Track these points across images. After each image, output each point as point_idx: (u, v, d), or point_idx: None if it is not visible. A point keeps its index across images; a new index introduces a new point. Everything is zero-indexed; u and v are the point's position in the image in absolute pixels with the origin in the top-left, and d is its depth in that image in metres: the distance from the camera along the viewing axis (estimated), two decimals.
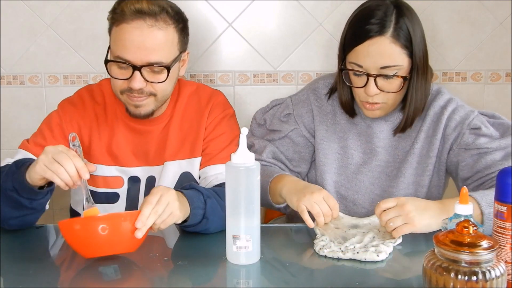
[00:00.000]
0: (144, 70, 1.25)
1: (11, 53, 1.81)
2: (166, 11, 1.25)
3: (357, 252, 1.09)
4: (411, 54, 1.28)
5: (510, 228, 0.91)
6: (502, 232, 0.92)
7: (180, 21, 1.30)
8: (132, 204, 1.37)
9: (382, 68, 1.27)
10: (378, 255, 1.08)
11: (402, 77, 1.28)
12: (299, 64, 1.83)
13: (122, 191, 1.38)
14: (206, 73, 1.83)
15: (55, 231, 1.26)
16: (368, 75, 1.28)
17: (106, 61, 1.28)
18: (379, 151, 1.41)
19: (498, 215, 0.93)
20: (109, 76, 1.30)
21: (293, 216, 1.60)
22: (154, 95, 1.29)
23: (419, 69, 1.30)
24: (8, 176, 1.13)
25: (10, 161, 1.27)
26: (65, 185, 1.07)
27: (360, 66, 1.29)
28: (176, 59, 1.30)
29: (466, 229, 0.86)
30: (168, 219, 1.07)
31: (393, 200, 1.17)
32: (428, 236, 1.10)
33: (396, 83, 1.29)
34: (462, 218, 1.04)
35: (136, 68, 1.24)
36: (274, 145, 1.47)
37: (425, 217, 1.15)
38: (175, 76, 1.34)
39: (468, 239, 0.85)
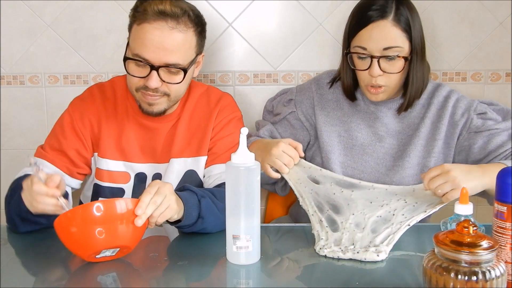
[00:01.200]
0: (161, 70, 1.26)
1: (11, 53, 1.81)
2: (187, 14, 1.27)
3: (357, 252, 1.09)
4: (410, 38, 1.37)
5: (510, 228, 0.91)
6: (502, 232, 0.92)
7: (199, 25, 1.31)
8: None
9: (385, 49, 1.35)
10: (378, 255, 1.08)
11: (403, 57, 1.36)
12: (299, 64, 1.83)
13: (128, 187, 1.39)
14: (206, 73, 1.82)
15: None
16: (372, 57, 1.36)
17: (125, 58, 1.29)
18: (383, 135, 1.48)
19: (498, 215, 0.93)
20: (116, 75, 1.32)
21: (294, 215, 1.61)
22: (168, 95, 1.31)
23: (418, 52, 1.39)
24: (20, 199, 1.14)
25: (28, 170, 1.30)
26: (59, 211, 1.07)
27: (364, 49, 1.37)
28: (193, 62, 1.32)
29: (466, 229, 0.86)
30: (165, 212, 1.08)
31: (438, 168, 1.23)
32: (428, 236, 1.10)
33: (398, 64, 1.37)
34: (462, 218, 1.04)
35: (153, 67, 1.25)
36: (274, 126, 1.58)
37: (471, 180, 1.21)
38: (190, 77, 1.36)
39: (468, 239, 0.85)
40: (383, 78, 1.38)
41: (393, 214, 1.21)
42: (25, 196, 1.11)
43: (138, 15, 1.26)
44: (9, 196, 1.23)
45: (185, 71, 1.28)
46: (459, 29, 1.82)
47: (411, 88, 1.42)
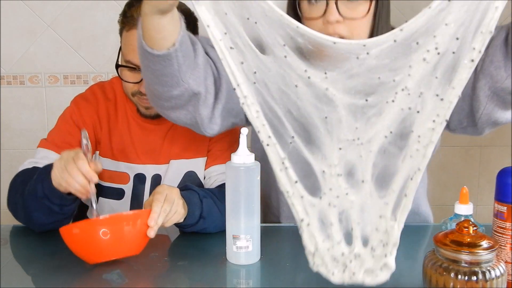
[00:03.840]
0: None
1: (11, 53, 1.81)
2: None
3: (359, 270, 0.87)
4: None
5: (510, 228, 0.91)
6: (502, 232, 0.92)
7: (190, 23, 1.30)
8: (137, 201, 1.38)
9: None
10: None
11: None
12: None
13: (128, 188, 1.39)
14: None
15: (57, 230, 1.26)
16: None
17: (117, 66, 1.30)
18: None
19: (498, 215, 0.93)
20: (116, 75, 1.32)
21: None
22: None
23: None
24: (37, 182, 1.13)
25: (32, 161, 1.28)
26: (82, 194, 1.07)
27: None
28: None
29: (466, 229, 0.86)
30: (173, 217, 1.09)
31: None
32: (428, 236, 1.10)
33: (361, 8, 1.07)
34: (462, 218, 1.04)
35: None
36: None
37: None
38: None
39: (468, 239, 0.85)
40: (343, 27, 1.06)
41: (417, 111, 0.79)
42: (59, 163, 1.07)
43: (126, 21, 1.26)
44: (20, 187, 1.20)
45: None
46: None
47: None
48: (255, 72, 0.82)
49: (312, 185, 0.85)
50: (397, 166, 0.82)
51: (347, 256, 0.86)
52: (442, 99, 0.78)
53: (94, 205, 1.06)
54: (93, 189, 1.06)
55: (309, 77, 0.80)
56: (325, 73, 0.80)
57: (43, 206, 1.14)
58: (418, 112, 0.79)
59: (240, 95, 0.83)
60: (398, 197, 0.82)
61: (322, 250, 0.86)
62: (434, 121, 0.78)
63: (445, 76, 0.78)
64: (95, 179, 1.05)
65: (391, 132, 0.81)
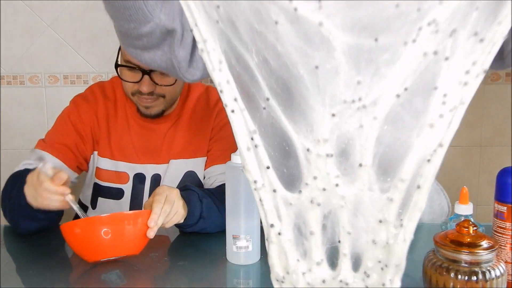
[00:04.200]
0: (153, 74, 1.27)
1: (11, 53, 1.81)
2: None
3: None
4: None
5: (510, 228, 0.91)
6: (502, 232, 0.92)
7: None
8: (136, 201, 1.38)
9: None
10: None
11: None
12: None
13: (127, 188, 1.39)
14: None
15: (57, 230, 1.26)
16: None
17: (117, 65, 1.30)
18: None
19: (498, 215, 0.93)
20: (115, 75, 1.33)
21: None
22: (163, 96, 1.31)
23: None
24: (20, 191, 1.13)
25: (26, 163, 1.29)
26: (64, 207, 1.08)
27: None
28: None
29: (466, 229, 0.86)
30: (173, 218, 1.09)
31: None
32: (428, 236, 1.10)
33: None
34: (462, 218, 1.04)
35: (145, 72, 1.26)
36: None
37: None
38: None
39: (468, 239, 0.85)
40: None
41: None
42: (29, 190, 1.10)
43: None
44: (9, 190, 1.22)
45: None
46: None
47: None
48: (218, 7, 0.59)
49: (290, 172, 0.62)
50: (409, 142, 0.58)
51: (329, 283, 0.63)
52: (481, 40, 0.56)
53: (79, 213, 1.07)
54: (70, 199, 1.07)
55: (295, 9, 0.55)
56: (319, 1, 0.54)
57: (27, 213, 1.14)
58: (446, 59, 0.56)
59: (198, 39, 0.61)
60: (407, 190, 0.59)
61: (294, 275, 0.64)
62: (468, 72, 0.56)
63: (489, 6, 0.55)
64: (67, 191, 1.06)
65: (405, 89, 0.57)
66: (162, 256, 1.12)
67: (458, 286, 0.83)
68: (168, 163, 1.38)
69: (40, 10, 1.78)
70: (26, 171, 1.17)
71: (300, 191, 0.62)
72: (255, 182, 0.63)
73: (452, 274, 0.84)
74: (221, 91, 0.61)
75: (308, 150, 0.60)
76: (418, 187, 0.59)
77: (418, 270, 0.94)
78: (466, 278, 0.83)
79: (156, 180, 1.38)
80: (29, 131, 1.86)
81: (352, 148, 0.59)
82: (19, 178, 1.18)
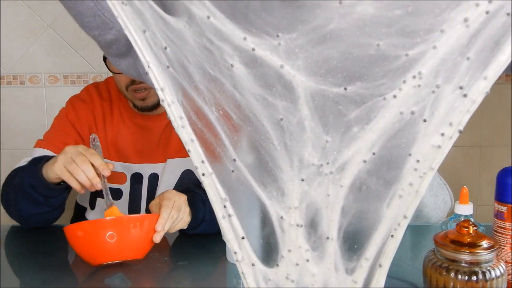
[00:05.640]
0: None
1: (11, 53, 1.81)
2: None
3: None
4: None
5: (510, 228, 0.91)
6: (502, 232, 0.92)
7: None
8: (135, 201, 1.38)
9: None
10: None
11: None
12: None
13: (125, 188, 1.39)
14: None
15: (58, 230, 1.26)
16: None
17: (105, 57, 1.28)
18: None
19: (498, 215, 0.93)
20: (111, 76, 1.32)
21: None
22: None
23: None
24: (25, 172, 1.14)
25: (28, 160, 1.29)
26: (81, 188, 1.07)
27: None
28: None
29: (466, 229, 0.86)
30: (178, 224, 1.09)
31: None
32: (428, 236, 1.10)
33: None
34: (462, 218, 1.04)
35: None
36: None
37: None
38: None
39: (468, 239, 0.85)
40: None
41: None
42: (61, 158, 1.07)
43: None
44: (12, 175, 1.21)
45: None
46: None
47: None
48: (165, 48, 0.49)
49: (266, 242, 0.55)
50: (377, 215, 0.51)
51: None
52: (465, 95, 0.46)
53: (109, 197, 1.07)
54: (105, 180, 1.07)
55: (253, 49, 0.46)
56: (278, 36, 0.45)
57: (28, 197, 1.14)
58: (424, 120, 0.47)
59: (156, 86, 0.51)
60: (370, 270, 0.53)
61: None
62: (442, 134, 0.48)
63: (480, 56, 0.45)
64: (107, 173, 1.06)
65: (373, 154, 0.48)
66: (163, 256, 1.12)
67: (458, 286, 0.83)
68: (165, 162, 1.38)
69: (40, 10, 1.78)
70: (33, 160, 1.18)
71: (277, 265, 0.55)
72: (235, 253, 0.57)
73: (452, 274, 0.84)
74: (189, 151, 0.53)
75: (281, 218, 0.53)
76: (380, 266, 0.53)
77: (418, 270, 0.94)
78: (466, 278, 0.83)
79: (154, 179, 1.38)
80: (29, 131, 1.86)
81: (320, 219, 0.52)
82: (24, 167, 1.19)
